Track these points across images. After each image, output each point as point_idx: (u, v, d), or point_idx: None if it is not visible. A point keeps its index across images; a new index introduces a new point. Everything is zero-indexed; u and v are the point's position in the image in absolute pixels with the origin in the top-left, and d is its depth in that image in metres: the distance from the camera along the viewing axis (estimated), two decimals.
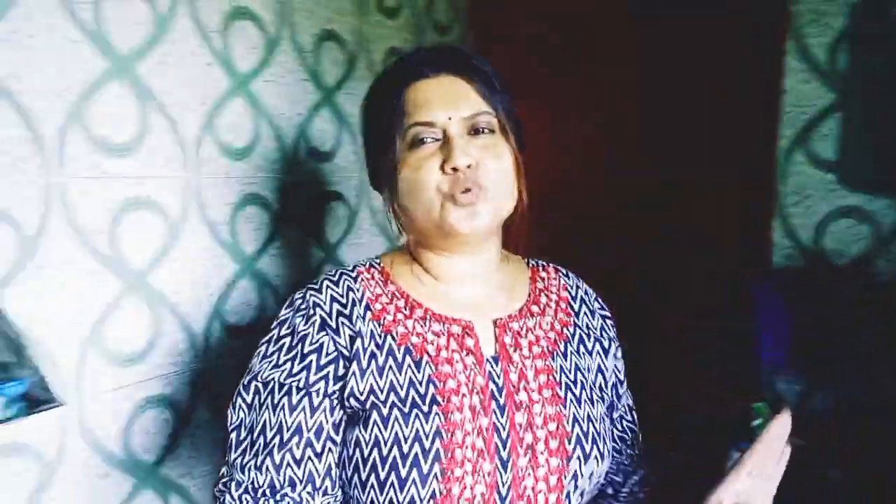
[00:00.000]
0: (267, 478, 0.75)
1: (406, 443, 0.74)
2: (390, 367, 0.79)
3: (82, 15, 1.02)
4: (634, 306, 1.74)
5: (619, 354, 0.96)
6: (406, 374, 0.79)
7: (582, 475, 0.80)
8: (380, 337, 0.81)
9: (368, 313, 0.82)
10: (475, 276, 0.87)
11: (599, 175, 1.83)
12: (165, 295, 1.19)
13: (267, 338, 0.83)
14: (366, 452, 0.76)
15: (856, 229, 1.40)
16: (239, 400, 0.81)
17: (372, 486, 0.75)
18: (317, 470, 0.77)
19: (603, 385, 0.91)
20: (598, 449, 0.82)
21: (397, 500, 0.74)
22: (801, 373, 1.44)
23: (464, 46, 0.89)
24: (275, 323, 0.84)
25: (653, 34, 1.71)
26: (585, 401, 0.85)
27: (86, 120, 1.04)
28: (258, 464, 0.76)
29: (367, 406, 0.78)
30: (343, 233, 1.56)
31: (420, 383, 0.78)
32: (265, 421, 0.77)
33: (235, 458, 0.78)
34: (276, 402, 0.78)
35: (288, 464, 0.76)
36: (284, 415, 0.77)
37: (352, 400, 0.78)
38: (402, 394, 0.78)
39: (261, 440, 0.77)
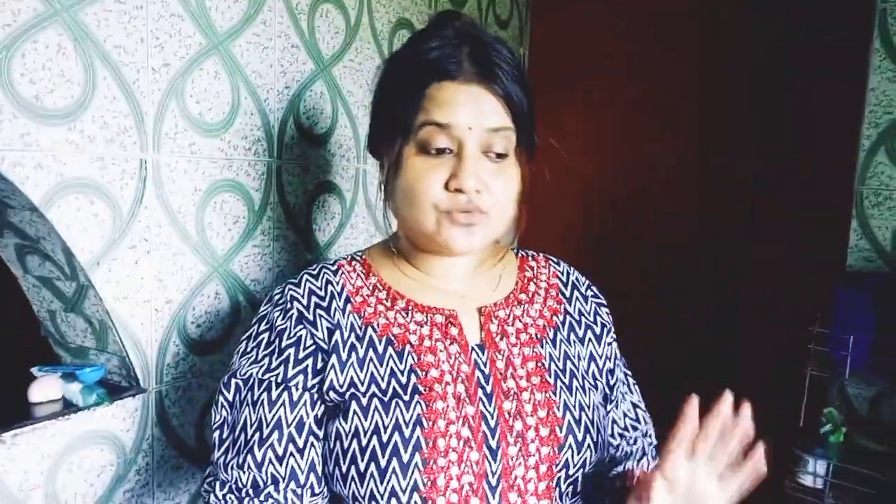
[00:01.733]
0: (249, 476, 0.74)
1: (385, 432, 0.72)
2: (371, 358, 0.78)
3: None
4: (707, 307, 1.73)
5: (613, 343, 0.93)
6: (387, 364, 0.77)
7: (574, 464, 0.78)
8: (360, 329, 0.79)
9: (349, 306, 0.81)
10: (459, 271, 0.86)
11: (669, 171, 1.81)
12: (244, 281, 1.16)
13: (247, 334, 0.82)
14: (346, 444, 0.74)
15: None
16: (221, 398, 0.79)
17: (353, 478, 0.73)
18: (299, 466, 0.75)
19: (596, 373, 0.88)
20: (592, 437, 0.80)
21: (378, 492, 0.72)
22: (880, 378, 1.41)
23: (501, 45, 0.80)
24: (254, 319, 0.83)
25: (731, 29, 1.70)
26: (577, 388, 0.82)
27: (183, 97, 1.01)
28: (240, 462, 0.75)
29: (347, 398, 0.76)
30: None
31: (402, 373, 0.76)
32: (245, 418, 0.76)
33: (219, 457, 0.77)
34: (255, 398, 0.76)
35: (270, 461, 0.74)
36: (264, 411, 0.75)
37: (332, 393, 0.76)
38: (383, 384, 0.76)
39: (242, 438, 0.76)
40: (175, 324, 1.05)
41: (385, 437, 0.73)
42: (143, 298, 1.00)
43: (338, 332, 0.79)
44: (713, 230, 1.75)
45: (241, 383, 0.78)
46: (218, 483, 0.76)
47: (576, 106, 1.93)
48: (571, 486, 0.79)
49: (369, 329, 0.80)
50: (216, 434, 0.78)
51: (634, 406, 0.96)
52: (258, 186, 1.16)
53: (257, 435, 0.75)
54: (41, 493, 0.90)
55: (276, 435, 0.75)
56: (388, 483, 0.72)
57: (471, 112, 0.75)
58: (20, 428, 0.87)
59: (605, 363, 0.90)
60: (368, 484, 0.72)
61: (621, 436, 0.93)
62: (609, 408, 0.92)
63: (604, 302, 0.96)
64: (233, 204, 1.12)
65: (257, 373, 0.78)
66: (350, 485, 0.74)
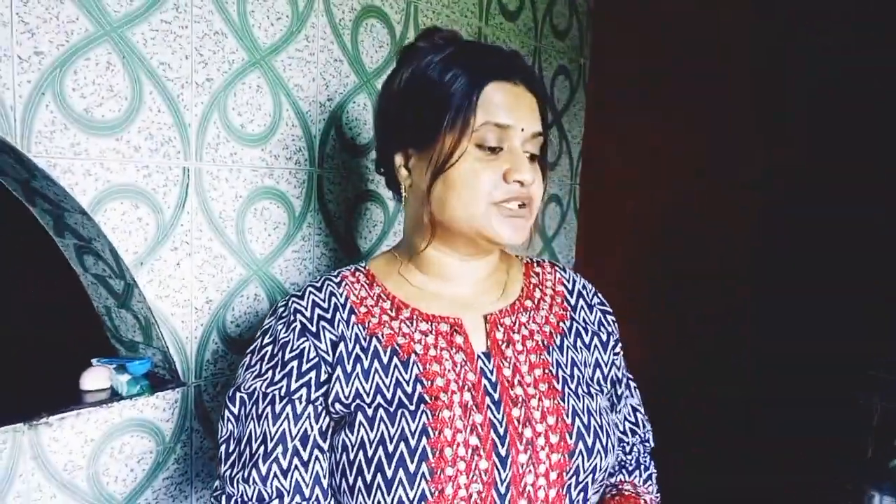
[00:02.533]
0: (255, 490, 0.75)
1: (391, 442, 0.72)
2: (376, 369, 0.78)
3: (229, 9, 1.06)
4: (768, 312, 1.64)
5: (619, 351, 0.94)
6: (393, 375, 0.77)
7: (584, 470, 0.76)
8: (365, 340, 0.80)
9: (353, 317, 0.82)
10: (472, 276, 0.87)
11: (730, 169, 1.72)
12: (283, 284, 1.21)
13: (251, 348, 0.83)
14: (352, 455, 0.74)
15: None
16: (226, 412, 0.80)
17: (360, 490, 0.73)
18: (304, 479, 0.75)
19: (601, 378, 0.88)
20: (601, 442, 0.78)
21: (385, 503, 0.71)
22: None
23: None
24: (259, 332, 0.84)
25: (791, 25, 1.61)
26: (584, 394, 0.82)
27: (225, 109, 1.08)
28: (245, 476, 0.75)
29: (353, 409, 0.76)
30: None
31: (407, 383, 0.76)
32: (250, 432, 0.77)
33: (225, 471, 0.78)
34: (260, 412, 0.77)
35: (274, 474, 0.75)
36: (268, 424, 0.76)
37: (337, 405, 0.77)
38: (389, 395, 0.76)
39: (247, 451, 0.76)
40: (214, 322, 1.11)
41: (391, 448, 0.73)
42: (184, 298, 1.06)
43: (342, 344, 0.79)
44: (753, 238, 1.65)
45: (245, 397, 0.79)
46: (224, 497, 0.77)
47: (632, 114, 1.88)
48: (582, 493, 0.78)
49: (374, 340, 0.80)
50: (222, 448, 0.79)
51: (634, 410, 0.96)
52: (299, 194, 1.21)
53: (262, 449, 0.75)
54: (84, 474, 0.97)
55: (280, 449, 0.75)
56: (395, 494, 0.72)
57: (523, 114, 0.81)
58: (66, 412, 0.95)
59: (610, 369, 0.91)
60: (375, 495, 0.72)
61: (620, 440, 0.93)
62: (612, 412, 0.92)
63: (609, 310, 0.95)
64: (273, 210, 1.17)
65: (261, 386, 0.78)
66: (357, 496, 0.74)
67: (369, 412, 0.75)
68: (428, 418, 0.74)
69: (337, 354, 0.79)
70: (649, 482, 0.97)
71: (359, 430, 0.74)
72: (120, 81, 0.94)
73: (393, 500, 0.72)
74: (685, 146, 1.77)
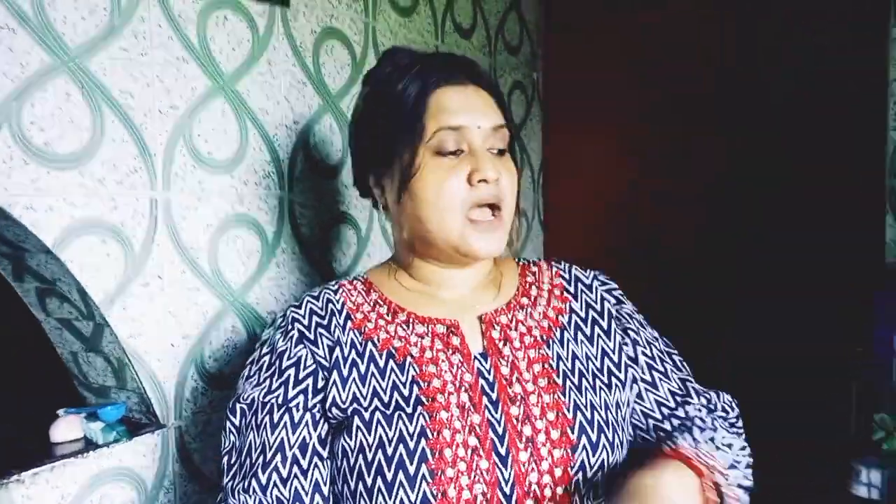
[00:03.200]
0: (255, 500, 0.74)
1: (390, 445, 0.72)
2: (372, 373, 0.78)
3: (188, 34, 1.03)
4: (745, 314, 1.67)
5: (630, 328, 0.88)
6: (389, 378, 0.77)
7: (591, 465, 0.75)
8: (361, 345, 0.80)
9: (349, 322, 0.82)
10: (465, 281, 0.87)
11: (691, 172, 1.77)
12: (261, 314, 1.17)
13: (250, 359, 0.84)
14: (352, 460, 0.74)
15: None
16: (228, 423, 0.80)
17: (361, 494, 0.73)
18: (303, 488, 0.74)
19: (613, 367, 0.84)
20: (607, 438, 0.77)
21: None
22: None
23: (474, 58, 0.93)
24: (258, 344, 0.85)
25: (753, 26, 1.67)
26: (587, 388, 0.80)
27: (191, 137, 1.04)
28: (245, 486, 0.75)
29: (350, 413, 0.76)
30: None
31: (404, 385, 0.77)
32: (250, 442, 0.77)
33: (227, 483, 0.78)
34: (259, 421, 0.77)
35: (274, 484, 0.74)
36: (267, 434, 0.76)
37: (334, 410, 0.77)
38: (386, 398, 0.76)
39: (247, 462, 0.76)
40: (192, 359, 1.06)
41: (390, 451, 0.73)
42: (158, 335, 1.01)
43: (338, 349, 0.80)
44: (736, 231, 1.69)
45: (245, 407, 0.79)
46: None
47: (592, 117, 1.91)
48: (592, 489, 0.76)
49: (370, 344, 0.81)
50: (224, 459, 0.79)
51: (672, 393, 0.86)
52: (271, 220, 1.18)
53: (261, 458, 0.75)
54: None
55: (279, 458, 0.75)
56: (396, 497, 0.71)
57: (476, 112, 0.80)
58: (38, 467, 0.88)
59: (620, 355, 0.86)
60: (377, 499, 0.72)
61: (659, 428, 0.85)
62: (635, 399, 0.86)
63: (613, 286, 0.93)
64: (245, 238, 1.14)
65: (259, 396, 0.79)
66: (360, 501, 0.74)
67: (366, 416, 0.75)
68: (426, 420, 0.74)
69: (334, 359, 0.79)
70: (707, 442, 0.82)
71: (357, 435, 0.74)
72: (80, 112, 0.90)
73: (395, 503, 0.71)
74: (647, 152, 1.81)
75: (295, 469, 0.75)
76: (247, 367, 0.83)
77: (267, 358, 0.81)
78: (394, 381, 0.77)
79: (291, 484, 0.74)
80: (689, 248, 1.76)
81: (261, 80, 1.15)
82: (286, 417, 0.76)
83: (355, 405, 0.76)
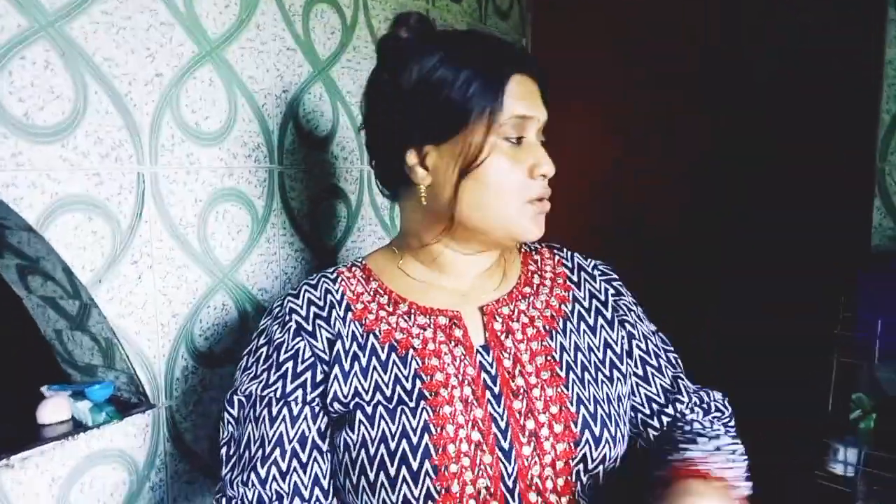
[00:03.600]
0: (255, 493, 0.73)
1: (393, 440, 0.71)
2: (374, 366, 0.77)
3: None
4: (729, 293, 1.69)
5: (628, 321, 0.88)
6: (391, 371, 0.76)
7: (593, 459, 0.75)
8: (362, 337, 0.78)
9: (349, 314, 0.80)
10: (474, 269, 0.86)
11: (676, 151, 1.76)
12: (251, 291, 1.14)
13: (247, 349, 0.82)
14: (353, 454, 0.73)
15: None
16: (226, 415, 0.80)
17: (364, 488, 0.72)
18: (302, 481, 0.74)
19: (615, 359, 0.84)
20: (609, 432, 0.77)
21: (391, 502, 0.71)
22: None
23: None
24: (254, 334, 0.83)
25: (737, 3, 1.65)
26: (590, 381, 0.80)
27: (178, 107, 0.99)
28: (245, 479, 0.74)
29: (352, 407, 0.75)
30: None
31: (406, 379, 0.75)
32: (248, 435, 0.76)
33: (226, 474, 0.77)
34: (257, 414, 0.76)
35: (273, 477, 0.73)
36: (265, 427, 0.75)
37: (336, 404, 0.76)
38: (388, 392, 0.75)
39: (246, 454, 0.75)
40: (182, 337, 1.03)
41: (392, 446, 0.72)
42: (148, 314, 0.98)
43: (339, 343, 0.78)
44: (724, 214, 1.71)
45: (243, 400, 0.78)
46: (224, 499, 0.76)
47: (576, 95, 1.89)
48: (593, 480, 0.77)
49: (371, 336, 0.79)
50: (223, 450, 0.79)
51: (664, 390, 0.87)
52: (260, 194, 1.14)
53: (260, 452, 0.74)
54: None
55: (278, 451, 0.74)
56: (399, 492, 0.71)
57: (538, 105, 0.81)
58: (28, 451, 0.85)
59: (622, 347, 0.86)
60: (380, 494, 0.71)
61: (648, 424, 0.86)
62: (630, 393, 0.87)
63: (614, 276, 0.93)
64: (235, 213, 1.10)
65: (257, 389, 0.78)
66: (362, 495, 0.73)
67: (369, 410, 0.74)
68: (429, 415, 0.73)
69: (334, 353, 0.78)
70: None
71: (359, 429, 0.73)
72: (61, 82, 0.85)
73: (398, 498, 0.71)
74: (631, 131, 1.80)
75: (294, 462, 0.74)
76: (244, 357, 0.82)
77: (264, 350, 0.80)
78: (396, 375, 0.76)
79: (291, 477, 0.74)
80: (674, 227, 1.77)
81: (250, 46, 1.10)
82: (285, 411, 0.75)
83: (357, 399, 0.75)
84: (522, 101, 0.78)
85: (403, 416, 0.73)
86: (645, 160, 1.79)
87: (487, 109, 0.76)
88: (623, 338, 0.87)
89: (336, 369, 0.77)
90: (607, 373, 0.83)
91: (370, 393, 0.75)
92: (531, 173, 0.79)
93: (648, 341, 0.90)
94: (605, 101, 1.83)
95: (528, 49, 1.93)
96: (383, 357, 0.77)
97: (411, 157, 0.81)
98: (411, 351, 0.78)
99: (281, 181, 1.18)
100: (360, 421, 0.74)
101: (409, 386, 0.75)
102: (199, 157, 1.03)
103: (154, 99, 0.96)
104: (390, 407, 0.74)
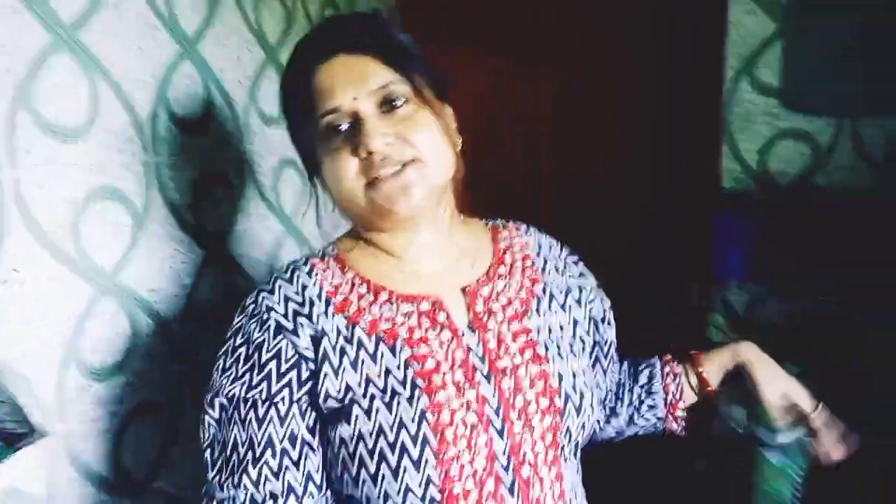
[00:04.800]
0: (247, 494, 0.73)
1: (391, 432, 0.72)
2: (363, 359, 0.76)
3: None
4: (592, 241, 1.81)
5: (595, 304, 0.95)
6: (381, 363, 0.76)
7: (576, 427, 0.81)
8: (347, 330, 0.78)
9: (330, 308, 0.79)
10: (434, 246, 0.84)
11: (540, 114, 1.84)
12: (139, 293, 1.06)
13: (224, 349, 0.79)
14: (351, 448, 0.74)
15: (797, 149, 1.51)
16: (206, 417, 0.78)
17: (364, 481, 0.74)
18: (296, 478, 0.74)
19: (583, 335, 0.90)
20: (588, 401, 0.83)
21: (393, 491, 0.72)
22: (760, 286, 1.56)
23: (367, 13, 0.87)
24: (230, 332, 0.80)
25: None
26: (567, 355, 0.84)
27: (34, 101, 0.88)
28: (235, 482, 0.73)
29: (347, 402, 0.75)
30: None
31: (398, 368, 0.76)
32: (235, 437, 0.75)
33: (213, 477, 0.76)
34: (242, 417, 0.75)
35: (266, 478, 0.73)
36: (253, 429, 0.74)
37: (330, 401, 0.75)
38: (381, 384, 0.75)
39: (234, 457, 0.74)
40: (70, 355, 0.95)
41: (391, 437, 0.72)
42: (27, 335, 0.88)
43: (325, 340, 0.77)
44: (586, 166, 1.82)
45: (225, 402, 0.76)
46: (214, 502, 0.74)
47: (448, 59, 1.90)
48: (573, 447, 0.83)
49: (357, 329, 0.77)
50: (207, 453, 0.77)
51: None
52: (137, 189, 1.05)
53: (250, 454, 0.73)
54: None
55: (269, 452, 0.73)
56: (401, 482, 0.72)
57: (349, 82, 0.76)
58: None
59: (588, 324, 0.91)
60: (382, 484, 0.72)
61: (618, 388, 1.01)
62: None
63: (577, 257, 0.96)
64: (112, 212, 1.00)
65: (241, 391, 0.75)
66: (363, 487, 0.73)
67: (364, 404, 0.74)
68: (426, 402, 0.73)
69: (321, 351, 0.76)
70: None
71: (356, 423, 0.73)
72: None
73: (400, 488, 0.72)
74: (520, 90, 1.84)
75: (286, 461, 0.73)
76: (220, 358, 0.78)
77: (243, 350, 0.77)
78: (387, 366, 0.76)
79: (284, 476, 0.73)
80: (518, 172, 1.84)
81: (109, 28, 0.98)
82: (272, 412, 0.74)
83: (350, 394, 0.74)
84: (326, 93, 0.77)
85: (400, 407, 0.73)
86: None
87: (301, 115, 0.79)
88: (585, 317, 0.92)
89: (326, 367, 0.75)
90: (578, 347, 0.87)
91: (363, 386, 0.75)
92: (357, 155, 0.77)
93: (609, 329, 0.97)
94: None
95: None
96: (371, 349, 0.76)
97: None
98: (399, 340, 0.77)
99: (158, 173, 1.09)
100: (357, 415, 0.73)
101: (400, 376, 0.75)
102: (63, 155, 0.92)
103: (7, 94, 0.84)
104: (385, 399, 0.74)
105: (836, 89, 1.41)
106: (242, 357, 0.76)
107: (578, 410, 0.81)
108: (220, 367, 0.78)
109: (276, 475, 0.73)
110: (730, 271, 1.57)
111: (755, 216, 1.52)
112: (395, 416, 0.73)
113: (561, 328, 0.86)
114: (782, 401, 0.90)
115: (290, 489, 0.73)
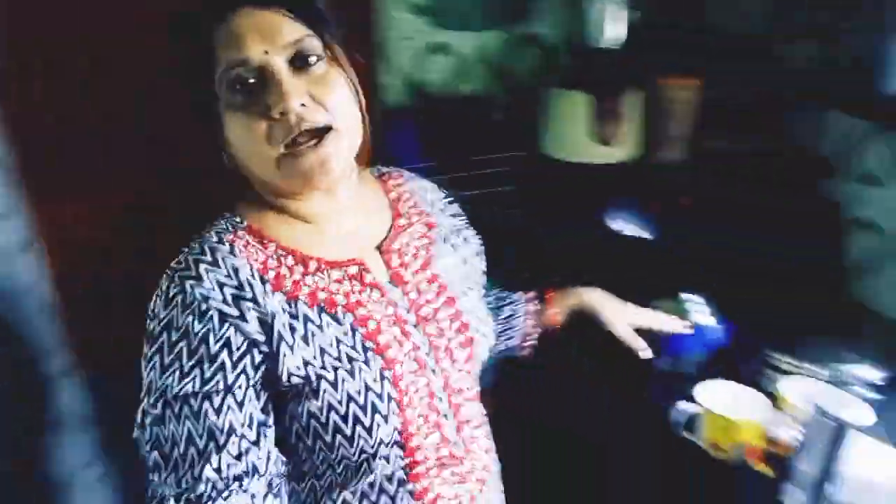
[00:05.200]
0: (208, 484, 0.73)
1: (360, 396, 0.78)
2: (312, 332, 0.78)
3: None
4: None
5: (472, 235, 1.06)
6: (329, 332, 0.79)
7: (483, 354, 0.97)
8: (291, 306, 0.77)
9: (267, 286, 0.76)
10: (348, 207, 0.85)
11: None
12: None
13: (156, 346, 0.72)
14: (323, 419, 0.76)
15: (446, 61, 1.76)
16: (148, 419, 0.73)
17: (340, 445, 0.79)
18: (258, 457, 0.76)
19: (472, 270, 1.02)
20: (490, 328, 0.94)
21: (368, 446, 0.80)
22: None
23: None
24: (156, 326, 0.73)
25: None
26: (468, 291, 0.93)
27: None
28: (196, 474, 0.72)
29: (312, 377, 0.77)
30: None
31: (345, 335, 0.78)
32: (189, 431, 0.72)
33: (166, 476, 0.73)
34: (196, 410, 0.72)
35: (228, 464, 0.73)
36: (211, 420, 0.72)
37: (293, 378, 0.77)
38: (336, 353, 0.78)
39: (192, 451, 0.72)
40: None
41: (361, 400, 0.75)
42: None
43: (274, 320, 0.74)
44: None
45: (171, 401, 0.71)
46: (172, 501, 0.71)
47: None
48: (480, 370, 0.94)
49: (298, 304, 0.77)
50: (154, 454, 0.72)
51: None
52: None
53: (212, 444, 0.71)
54: None
55: (232, 439, 0.72)
56: (375, 437, 0.77)
57: (262, 34, 0.72)
58: None
59: (474, 258, 0.99)
60: (358, 443, 0.76)
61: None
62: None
63: (451, 198, 1.01)
64: None
65: (191, 387, 0.71)
66: (338, 450, 0.77)
67: (329, 376, 0.75)
68: (380, 363, 0.78)
69: (275, 332, 0.74)
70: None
71: (324, 396, 0.75)
72: None
73: (374, 442, 0.77)
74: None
75: (245, 444, 0.73)
76: (155, 356, 0.72)
77: (184, 344, 0.71)
78: (335, 335, 0.77)
79: (247, 458, 0.73)
80: None
81: None
82: (229, 400, 0.72)
83: (311, 368, 0.75)
84: (231, 46, 0.71)
85: (362, 372, 0.76)
86: None
87: (201, 72, 0.73)
88: (471, 253, 0.99)
89: (283, 346, 0.74)
90: (472, 281, 0.96)
91: (319, 359, 0.75)
92: (270, 115, 0.72)
93: (481, 253, 1.04)
94: None
95: None
96: (317, 321, 0.77)
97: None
98: (339, 307, 0.78)
99: None
100: (325, 389, 0.74)
101: (351, 342, 0.77)
102: None
103: None
104: (347, 367, 0.76)
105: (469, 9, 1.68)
106: (185, 352, 0.72)
107: (485, 339, 0.94)
108: (158, 364, 0.72)
109: (240, 458, 0.72)
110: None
111: (420, 127, 1.72)
112: (359, 380, 0.76)
113: (457, 266, 0.96)
114: (629, 333, 1.13)
115: (255, 469, 0.74)
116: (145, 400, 0.73)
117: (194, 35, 0.73)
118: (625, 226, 1.62)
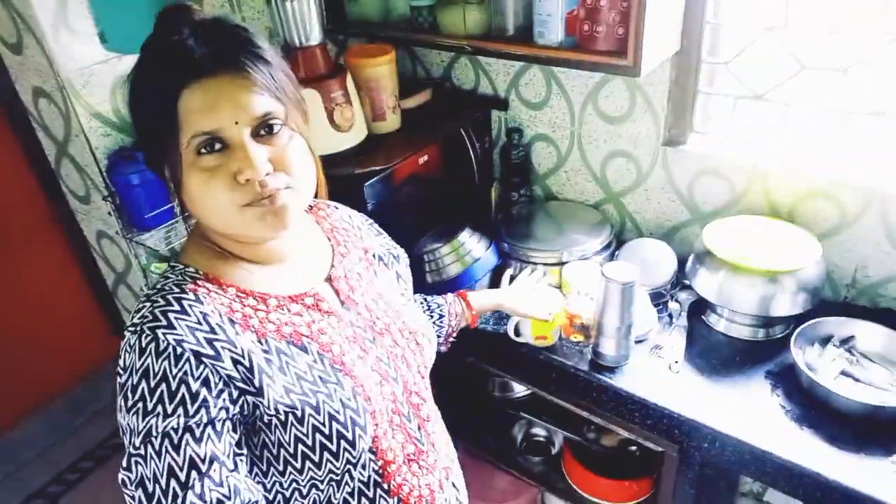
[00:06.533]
0: None
1: (341, 414, 0.82)
2: (287, 363, 0.81)
3: None
4: None
5: (398, 250, 1.12)
6: (301, 362, 0.82)
7: (432, 356, 1.02)
8: (262, 343, 0.80)
9: (237, 326, 0.79)
10: (295, 248, 0.89)
11: None
12: None
13: (137, 395, 0.74)
14: (309, 441, 0.80)
15: None
16: (132, 461, 0.74)
17: (327, 461, 0.82)
18: (238, 480, 0.77)
19: (404, 282, 1.10)
20: (433, 333, 1.05)
21: (353, 458, 0.83)
22: None
23: (234, 22, 0.79)
24: (132, 377, 0.74)
25: None
26: (407, 302, 1.04)
27: None
28: (181, 501, 0.73)
29: (294, 403, 0.79)
30: None
31: (316, 362, 0.83)
32: (170, 465, 0.73)
33: None
34: (176, 443, 0.74)
35: (210, 489, 0.74)
36: (194, 450, 0.74)
37: (279, 407, 0.79)
38: (311, 378, 0.82)
39: (174, 483, 0.73)
40: None
41: (342, 418, 0.81)
42: None
43: (249, 358, 0.78)
44: None
45: (155, 440, 0.73)
46: None
47: None
48: (430, 373, 1.03)
49: (267, 340, 0.81)
50: (139, 492, 0.73)
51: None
52: None
53: (195, 473, 0.73)
54: None
55: (214, 466, 0.74)
56: (359, 448, 0.83)
57: (233, 105, 0.74)
58: None
59: (404, 271, 1.10)
60: (344, 457, 0.82)
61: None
62: None
63: (371, 221, 1.09)
64: None
65: (175, 423, 0.73)
66: (325, 465, 0.82)
67: (310, 400, 0.80)
68: (350, 382, 0.84)
69: (255, 367, 0.78)
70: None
71: (308, 420, 0.80)
72: None
73: (359, 452, 0.83)
74: None
75: (224, 471, 0.75)
76: (137, 403, 0.73)
77: (163, 388, 0.73)
78: (307, 363, 0.82)
79: (227, 482, 0.75)
80: None
81: None
82: (209, 431, 0.74)
83: (291, 396, 0.79)
84: (201, 114, 0.73)
85: (337, 393, 0.82)
86: None
87: (166, 136, 0.74)
88: (401, 267, 1.11)
89: (264, 379, 0.78)
90: (408, 292, 1.09)
91: (298, 385, 0.80)
92: (235, 180, 0.75)
93: (406, 263, 1.14)
94: None
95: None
96: (288, 352, 0.81)
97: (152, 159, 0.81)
98: (304, 338, 0.84)
99: None
100: (309, 414, 0.79)
101: (321, 368, 0.83)
102: None
103: None
104: (325, 390, 0.81)
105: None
106: (166, 394, 0.73)
107: (430, 343, 1.02)
108: (141, 410, 0.73)
109: (221, 484, 0.75)
110: None
111: None
112: (336, 400, 0.82)
113: (393, 282, 1.05)
114: (544, 314, 1.39)
115: (236, 491, 0.76)
116: (130, 444, 0.74)
117: (165, 96, 0.73)
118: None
